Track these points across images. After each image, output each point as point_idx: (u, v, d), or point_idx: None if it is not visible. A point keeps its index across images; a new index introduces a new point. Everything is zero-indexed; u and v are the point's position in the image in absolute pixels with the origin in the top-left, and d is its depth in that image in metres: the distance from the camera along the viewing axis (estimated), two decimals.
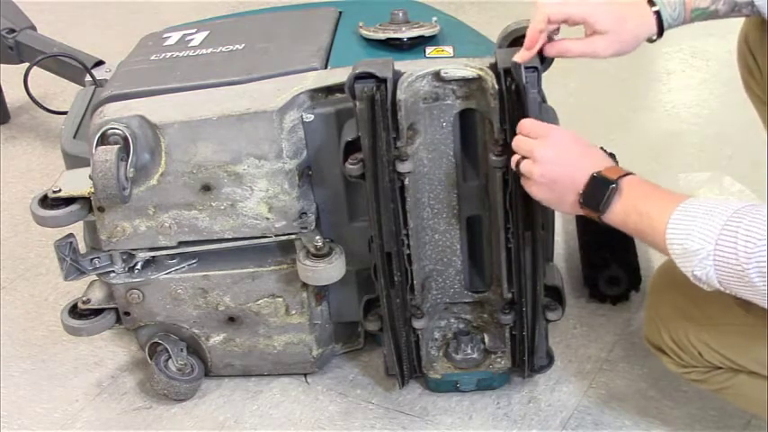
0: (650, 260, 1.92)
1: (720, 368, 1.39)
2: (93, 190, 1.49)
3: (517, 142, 1.35)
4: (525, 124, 1.35)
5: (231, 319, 1.67)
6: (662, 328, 1.42)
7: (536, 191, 1.33)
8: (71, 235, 1.61)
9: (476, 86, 1.45)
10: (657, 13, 1.41)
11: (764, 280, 1.12)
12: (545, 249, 1.52)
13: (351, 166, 1.45)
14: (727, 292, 1.18)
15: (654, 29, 1.42)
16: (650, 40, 1.44)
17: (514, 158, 1.36)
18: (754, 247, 1.11)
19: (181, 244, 1.61)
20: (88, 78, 1.97)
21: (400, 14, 1.60)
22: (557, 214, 1.59)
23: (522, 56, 1.37)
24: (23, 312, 2.00)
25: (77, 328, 1.69)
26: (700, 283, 1.19)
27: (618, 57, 1.41)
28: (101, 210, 1.57)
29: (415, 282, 1.55)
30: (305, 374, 1.75)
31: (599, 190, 1.27)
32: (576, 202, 1.29)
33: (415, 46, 1.57)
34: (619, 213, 1.26)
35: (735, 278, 1.15)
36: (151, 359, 1.70)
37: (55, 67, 2.50)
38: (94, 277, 1.67)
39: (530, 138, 1.34)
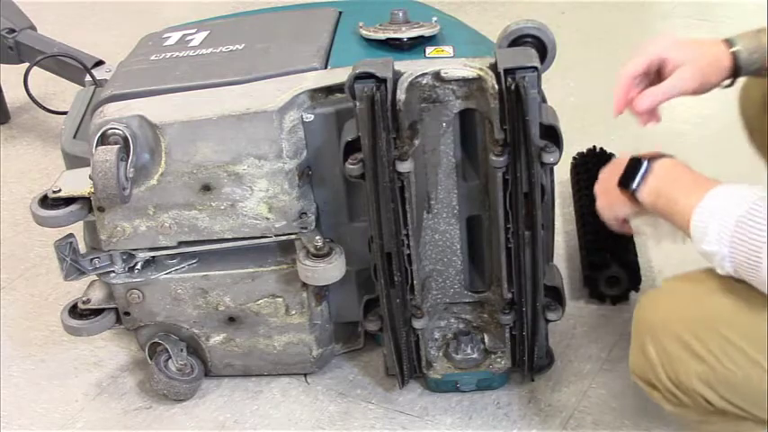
0: (650, 260, 1.92)
1: (725, 412, 1.24)
2: (93, 190, 1.49)
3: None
4: None
5: (231, 319, 1.67)
6: (657, 364, 1.24)
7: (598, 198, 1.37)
8: (71, 235, 1.61)
9: (476, 86, 1.45)
10: (734, 55, 1.38)
11: None
12: (545, 249, 1.52)
13: (351, 166, 1.45)
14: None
15: (727, 71, 1.38)
16: (725, 86, 1.41)
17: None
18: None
19: (181, 244, 1.61)
20: (88, 78, 1.97)
21: (400, 14, 1.60)
22: (557, 214, 1.59)
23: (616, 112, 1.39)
24: (23, 312, 2.00)
25: (77, 328, 1.69)
26: (714, 263, 1.17)
27: (701, 94, 1.40)
28: (101, 210, 1.57)
29: (415, 282, 1.55)
30: (305, 374, 1.75)
31: (634, 170, 1.28)
32: (617, 187, 1.31)
33: (415, 46, 1.57)
34: (650, 194, 1.26)
35: (758, 281, 1.13)
36: (151, 359, 1.71)
37: (55, 67, 2.50)
38: (94, 277, 1.67)
39: None
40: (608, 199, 1.36)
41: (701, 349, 1.19)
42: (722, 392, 1.20)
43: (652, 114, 1.40)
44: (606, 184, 1.35)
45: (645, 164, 1.27)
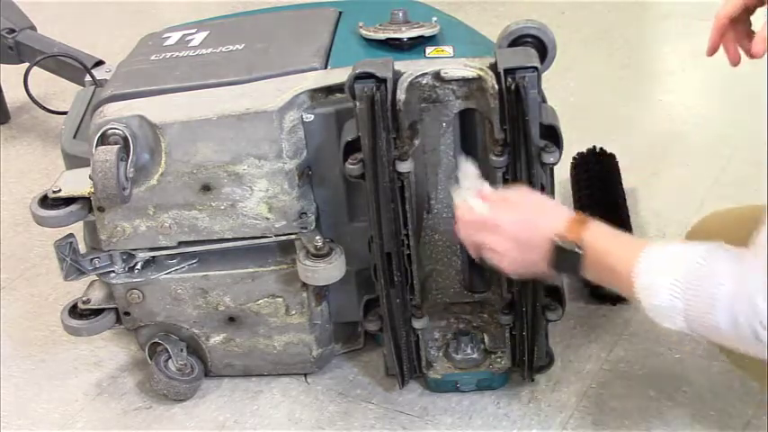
0: None
1: None
2: (93, 190, 1.49)
3: (467, 222, 1.34)
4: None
5: (231, 319, 1.67)
6: None
7: (505, 266, 1.32)
8: (71, 235, 1.61)
9: (476, 86, 1.45)
10: None
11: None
12: None
13: (351, 166, 1.45)
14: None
15: None
16: None
17: (474, 254, 1.35)
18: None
19: (181, 244, 1.61)
20: (88, 78, 1.97)
21: (400, 14, 1.60)
22: None
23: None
24: (23, 312, 2.00)
25: (77, 328, 1.69)
26: (666, 323, 1.17)
27: None
28: (101, 210, 1.57)
29: (415, 282, 1.55)
30: (305, 374, 1.75)
31: (566, 260, 1.25)
32: (545, 269, 1.29)
33: (415, 46, 1.57)
34: (591, 273, 1.26)
35: (713, 334, 1.13)
36: (151, 359, 1.70)
37: (55, 67, 2.50)
38: (94, 277, 1.67)
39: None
40: (534, 264, 1.30)
41: None
42: None
43: (737, 55, 1.39)
44: (525, 257, 1.29)
45: (578, 254, 1.24)
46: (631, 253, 1.20)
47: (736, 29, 1.39)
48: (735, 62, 1.40)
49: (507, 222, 1.30)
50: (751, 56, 1.36)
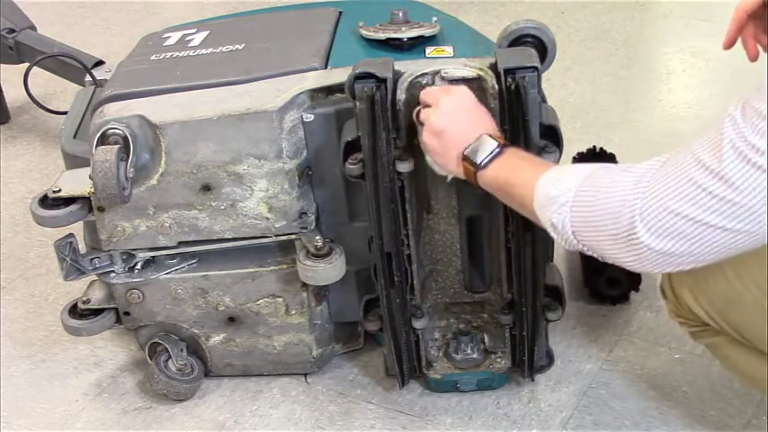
0: None
1: (708, 325, 1.40)
2: (93, 190, 1.49)
3: (425, 92, 1.41)
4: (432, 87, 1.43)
5: (231, 319, 1.67)
6: (665, 274, 1.41)
7: (427, 137, 1.38)
8: (71, 235, 1.61)
9: (476, 86, 1.45)
10: None
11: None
12: (545, 249, 1.52)
13: (351, 166, 1.45)
14: (578, 246, 1.19)
15: None
16: None
17: (416, 109, 1.41)
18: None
19: (181, 244, 1.61)
20: (88, 78, 1.97)
21: (400, 14, 1.60)
22: None
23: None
24: (23, 312, 2.00)
25: (77, 328, 1.69)
26: (555, 232, 1.21)
27: None
28: (101, 210, 1.57)
29: (415, 282, 1.55)
30: (305, 374, 1.75)
31: (485, 147, 1.32)
32: (458, 156, 1.34)
33: (415, 46, 1.57)
34: (492, 170, 1.31)
35: (589, 227, 1.17)
36: (151, 359, 1.70)
37: (55, 67, 2.50)
38: (94, 277, 1.67)
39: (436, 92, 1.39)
40: (442, 148, 1.37)
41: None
42: (701, 300, 1.35)
43: (755, 50, 1.42)
44: (448, 137, 1.36)
45: (498, 148, 1.32)
46: (546, 165, 1.27)
47: (755, 24, 1.40)
48: (753, 57, 1.41)
49: (446, 105, 1.37)
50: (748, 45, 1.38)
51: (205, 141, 1.51)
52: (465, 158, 1.33)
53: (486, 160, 1.31)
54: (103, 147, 1.47)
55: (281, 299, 1.64)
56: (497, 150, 1.31)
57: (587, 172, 1.20)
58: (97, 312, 1.69)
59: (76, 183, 1.57)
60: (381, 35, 1.58)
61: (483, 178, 1.32)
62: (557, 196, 1.19)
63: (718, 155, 1.06)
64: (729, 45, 1.42)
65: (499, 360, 1.64)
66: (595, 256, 1.20)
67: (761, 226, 1.05)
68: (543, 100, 1.43)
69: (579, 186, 1.18)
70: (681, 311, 1.43)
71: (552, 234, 1.22)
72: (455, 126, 1.35)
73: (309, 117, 1.51)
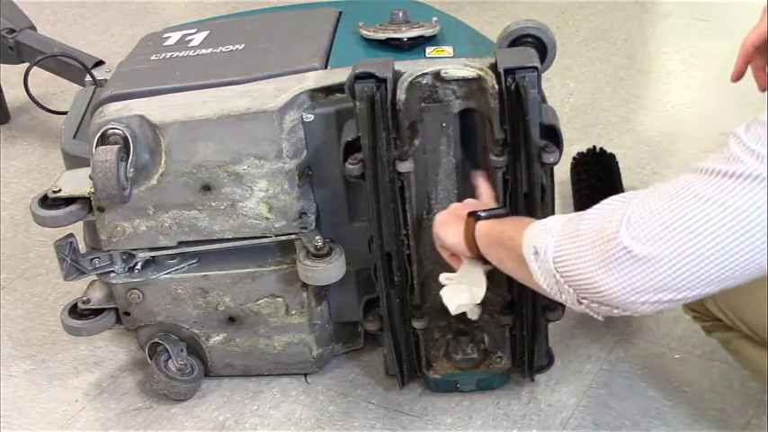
0: None
1: (720, 320, 1.42)
2: (93, 190, 1.49)
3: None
4: None
5: (231, 319, 1.67)
6: None
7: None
8: (71, 235, 1.61)
9: (476, 86, 1.45)
10: None
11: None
12: None
13: (351, 166, 1.45)
14: (556, 276, 1.15)
15: None
16: None
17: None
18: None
19: (181, 244, 1.61)
20: (88, 78, 1.97)
21: (400, 14, 1.60)
22: (558, 213, 1.59)
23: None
24: (23, 312, 2.00)
25: (77, 328, 1.69)
26: (536, 260, 1.17)
27: None
28: (101, 210, 1.57)
29: (415, 282, 1.55)
30: (305, 374, 1.75)
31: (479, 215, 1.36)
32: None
33: (415, 46, 1.57)
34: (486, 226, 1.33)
35: (572, 245, 1.14)
36: (151, 359, 1.71)
37: (55, 67, 2.50)
38: (94, 277, 1.67)
39: None
40: (448, 222, 1.41)
41: None
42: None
43: (765, 81, 1.44)
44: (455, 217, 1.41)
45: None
46: (523, 222, 1.25)
47: (762, 56, 1.43)
48: (764, 88, 1.44)
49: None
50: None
51: (205, 141, 1.51)
52: (469, 214, 1.37)
53: (483, 216, 1.35)
54: (103, 147, 1.47)
55: (281, 299, 1.64)
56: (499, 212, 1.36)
57: (577, 214, 1.18)
58: (97, 312, 1.69)
59: (76, 183, 1.57)
60: (381, 35, 1.58)
61: (478, 231, 1.35)
62: (546, 228, 1.18)
63: (717, 161, 1.06)
64: (738, 77, 1.45)
65: (499, 360, 1.64)
66: (569, 302, 1.16)
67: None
68: (543, 100, 1.43)
69: (568, 218, 1.18)
70: (694, 306, 1.45)
71: (532, 266, 1.17)
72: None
73: (309, 117, 1.51)
